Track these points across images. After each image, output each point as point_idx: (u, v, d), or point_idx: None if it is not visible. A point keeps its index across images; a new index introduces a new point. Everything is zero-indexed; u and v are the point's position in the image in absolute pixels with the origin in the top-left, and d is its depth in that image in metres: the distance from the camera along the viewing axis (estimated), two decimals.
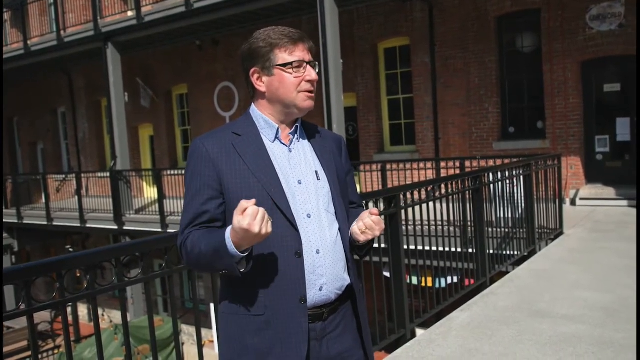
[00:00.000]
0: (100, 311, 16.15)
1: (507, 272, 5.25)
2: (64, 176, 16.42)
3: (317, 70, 1.61)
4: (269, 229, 1.39)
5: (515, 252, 5.75)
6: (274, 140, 1.61)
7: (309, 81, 1.58)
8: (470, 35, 10.13)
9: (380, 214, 3.57)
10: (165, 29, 11.58)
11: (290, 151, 1.62)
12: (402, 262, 3.70)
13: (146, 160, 16.21)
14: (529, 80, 9.83)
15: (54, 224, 13.69)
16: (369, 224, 1.57)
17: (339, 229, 1.62)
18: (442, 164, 8.62)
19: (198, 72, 14.15)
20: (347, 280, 1.63)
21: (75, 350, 9.99)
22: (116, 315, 13.71)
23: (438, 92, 10.52)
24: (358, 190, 1.98)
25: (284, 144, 1.62)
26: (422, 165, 8.63)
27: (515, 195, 5.85)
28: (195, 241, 1.50)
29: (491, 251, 5.22)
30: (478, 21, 10.03)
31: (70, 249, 15.86)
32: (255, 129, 1.61)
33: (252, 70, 1.60)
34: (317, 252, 1.56)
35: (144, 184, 14.34)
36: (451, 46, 10.34)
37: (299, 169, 1.60)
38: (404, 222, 3.84)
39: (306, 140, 1.67)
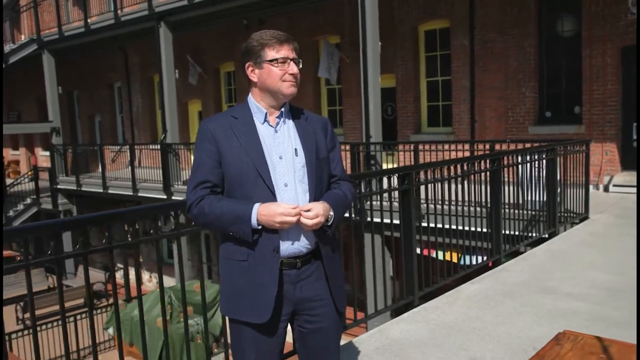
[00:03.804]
0: (147, 274, 17.15)
1: (525, 252, 5.39)
2: (119, 147, 17.34)
3: (300, 67, 2.00)
4: (286, 227, 1.87)
5: (533, 234, 5.89)
6: (263, 122, 2.01)
7: (291, 74, 1.97)
8: (509, 18, 10.08)
9: (394, 190, 3.95)
10: (214, 9, 12.06)
11: (276, 132, 2.01)
12: (412, 234, 4.03)
13: (194, 134, 16.82)
14: (568, 65, 9.72)
15: (109, 191, 14.52)
16: (303, 222, 1.91)
17: (310, 197, 1.99)
18: (474, 146, 8.77)
19: None
20: (315, 239, 1.98)
21: (126, 309, 10.77)
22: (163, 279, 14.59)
23: (476, 75, 10.57)
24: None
25: (271, 126, 2.01)
26: (453, 146, 8.80)
27: (539, 178, 5.99)
28: (216, 205, 1.92)
29: (508, 232, 5.36)
30: (518, 4, 9.96)
31: None
32: (249, 114, 2.02)
33: (247, 65, 2.00)
34: None
35: (191, 157, 14.99)
36: (490, 29, 10.33)
37: (282, 146, 1.99)
38: (423, 201, 4.14)
39: (292, 123, 2.05)
